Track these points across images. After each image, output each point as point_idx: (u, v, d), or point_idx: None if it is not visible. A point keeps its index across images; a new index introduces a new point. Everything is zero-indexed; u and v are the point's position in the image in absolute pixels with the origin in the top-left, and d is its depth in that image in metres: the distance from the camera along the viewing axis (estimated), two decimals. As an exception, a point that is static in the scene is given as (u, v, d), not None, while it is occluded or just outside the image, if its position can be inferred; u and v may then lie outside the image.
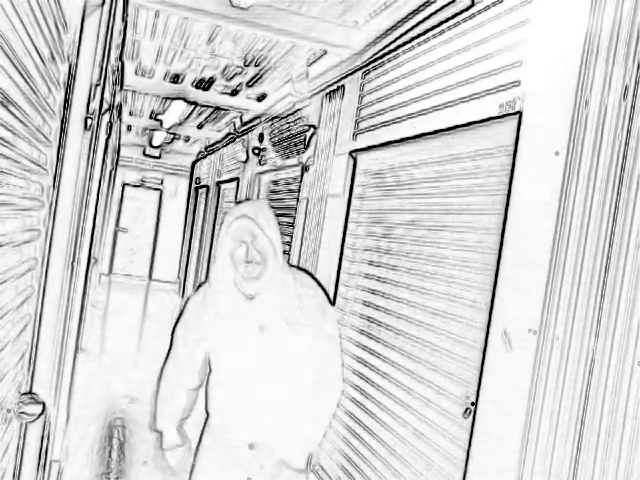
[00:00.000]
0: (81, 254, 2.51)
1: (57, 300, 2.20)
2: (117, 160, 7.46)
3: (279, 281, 2.45)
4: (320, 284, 2.66)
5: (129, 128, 9.18)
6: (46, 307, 2.15)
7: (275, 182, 5.80)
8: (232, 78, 5.13)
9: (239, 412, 2.51)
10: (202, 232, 9.31)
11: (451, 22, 2.71)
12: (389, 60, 3.35)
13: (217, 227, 8.50)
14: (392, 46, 3.26)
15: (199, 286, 2.61)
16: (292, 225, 4.69)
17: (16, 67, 1.39)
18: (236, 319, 2.46)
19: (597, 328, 1.83)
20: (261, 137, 6.30)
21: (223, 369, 2.53)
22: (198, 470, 2.58)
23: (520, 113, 2.18)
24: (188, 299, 2.60)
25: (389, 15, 3.17)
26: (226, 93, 5.68)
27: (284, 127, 5.46)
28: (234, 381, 2.50)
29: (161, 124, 8.17)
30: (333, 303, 3.83)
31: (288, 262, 2.71)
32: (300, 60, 4.30)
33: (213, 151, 9.33)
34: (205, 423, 2.62)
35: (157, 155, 11.28)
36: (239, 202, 2.51)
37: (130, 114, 7.80)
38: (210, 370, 2.57)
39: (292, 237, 4.63)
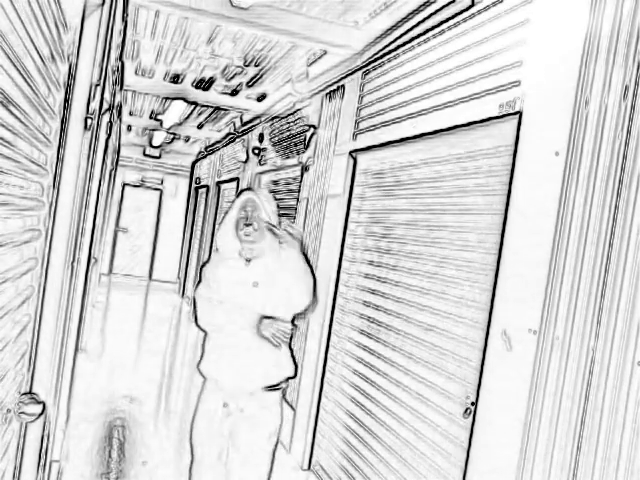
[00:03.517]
0: (81, 254, 2.51)
1: (57, 300, 2.20)
2: (117, 160, 7.46)
3: (272, 248, 2.92)
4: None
5: (129, 128, 9.18)
6: (46, 307, 2.15)
7: (275, 182, 5.80)
8: (232, 78, 5.13)
9: (226, 369, 2.88)
10: (202, 232, 9.31)
11: (451, 22, 2.71)
12: (389, 60, 3.35)
13: (217, 227, 8.51)
14: (392, 46, 3.26)
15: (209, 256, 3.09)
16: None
17: (16, 67, 1.40)
18: (234, 279, 2.90)
19: (597, 328, 1.84)
20: (261, 137, 6.30)
21: (218, 328, 2.90)
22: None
23: (520, 113, 2.18)
24: (204, 264, 3.06)
25: (389, 15, 3.17)
26: (226, 93, 5.68)
27: (284, 127, 5.46)
28: (226, 337, 2.89)
29: (161, 124, 8.17)
30: (333, 303, 3.83)
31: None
32: (300, 60, 4.30)
33: (213, 151, 9.33)
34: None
35: (157, 155, 11.28)
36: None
37: (130, 114, 7.80)
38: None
39: (292, 237, 4.62)
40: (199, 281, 3.01)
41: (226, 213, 2.99)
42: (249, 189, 3.02)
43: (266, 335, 2.86)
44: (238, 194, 3.02)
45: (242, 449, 2.93)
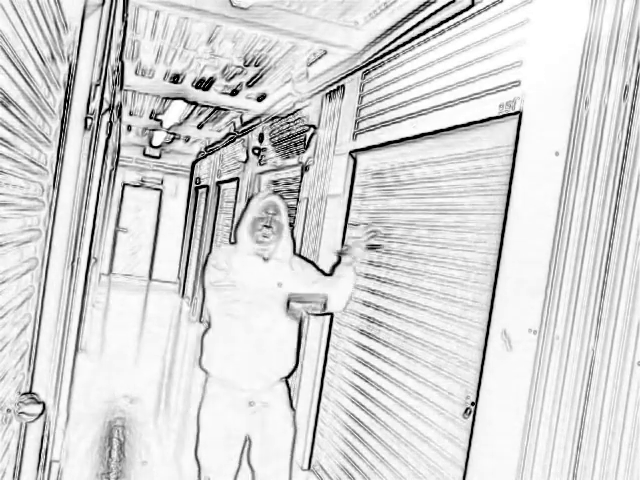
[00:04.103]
0: (81, 254, 2.51)
1: (57, 300, 2.20)
2: (117, 160, 7.46)
3: (286, 250, 3.07)
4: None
5: (129, 128, 9.18)
6: (46, 307, 2.15)
7: (275, 182, 5.80)
8: (232, 78, 5.13)
9: (242, 365, 2.91)
10: (202, 232, 9.31)
11: (451, 22, 2.71)
12: (389, 60, 3.35)
13: (217, 228, 8.51)
14: (392, 46, 3.26)
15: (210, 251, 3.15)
16: (292, 225, 4.69)
17: (16, 67, 1.40)
18: (254, 277, 2.98)
19: (597, 328, 1.84)
20: (261, 137, 6.30)
21: (232, 324, 2.95)
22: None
23: (520, 113, 2.18)
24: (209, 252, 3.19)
25: (389, 15, 3.17)
26: (226, 93, 5.68)
27: (284, 127, 5.46)
28: (240, 335, 2.94)
29: (161, 124, 8.17)
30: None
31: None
32: (300, 60, 4.30)
33: (213, 151, 9.33)
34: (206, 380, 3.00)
35: (157, 155, 11.28)
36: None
37: (130, 114, 7.80)
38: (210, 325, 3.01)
39: (292, 237, 4.62)
40: (205, 268, 3.02)
41: (246, 211, 3.06)
42: (272, 193, 3.15)
43: (296, 315, 3.00)
44: (252, 196, 3.10)
45: (270, 442, 2.95)
